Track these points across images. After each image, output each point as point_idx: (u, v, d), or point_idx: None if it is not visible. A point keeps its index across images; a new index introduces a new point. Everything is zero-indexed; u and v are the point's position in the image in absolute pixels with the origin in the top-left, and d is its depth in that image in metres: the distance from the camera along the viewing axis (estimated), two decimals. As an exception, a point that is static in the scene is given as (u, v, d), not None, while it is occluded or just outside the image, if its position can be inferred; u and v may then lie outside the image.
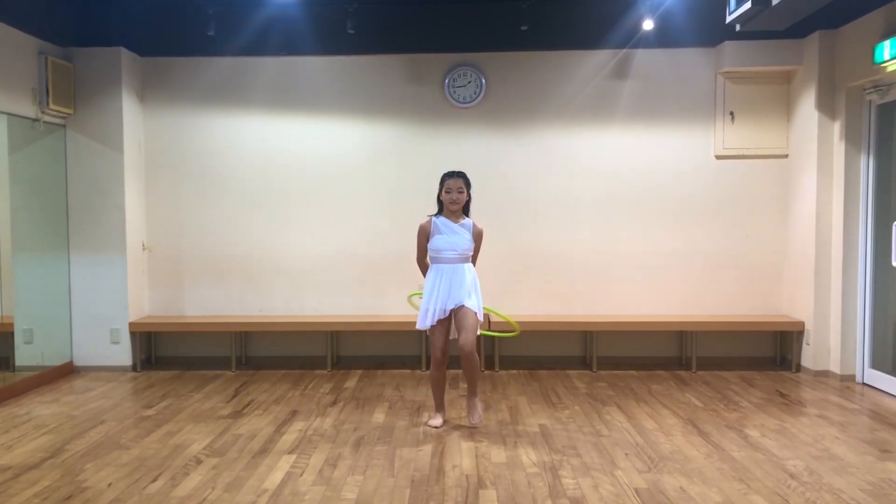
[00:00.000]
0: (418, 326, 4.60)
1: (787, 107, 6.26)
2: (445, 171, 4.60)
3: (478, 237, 4.60)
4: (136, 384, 5.80)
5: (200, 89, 6.39)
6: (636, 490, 3.53)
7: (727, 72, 6.17)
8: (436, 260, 4.54)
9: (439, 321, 4.50)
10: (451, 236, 4.50)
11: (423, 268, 4.66)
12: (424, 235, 4.58)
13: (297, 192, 6.42)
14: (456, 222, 4.54)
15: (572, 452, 4.09)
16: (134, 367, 6.24)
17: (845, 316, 5.72)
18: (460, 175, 4.55)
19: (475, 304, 4.48)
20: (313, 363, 6.37)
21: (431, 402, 5.17)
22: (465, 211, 4.60)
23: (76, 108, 6.06)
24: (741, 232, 6.34)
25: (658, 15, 5.81)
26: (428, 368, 6.19)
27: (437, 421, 4.61)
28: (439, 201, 4.60)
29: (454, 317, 4.49)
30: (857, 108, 5.67)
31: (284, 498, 3.46)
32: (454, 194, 4.49)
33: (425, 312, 4.51)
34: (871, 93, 5.56)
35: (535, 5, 5.96)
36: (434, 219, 4.57)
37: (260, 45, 6.22)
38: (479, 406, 4.64)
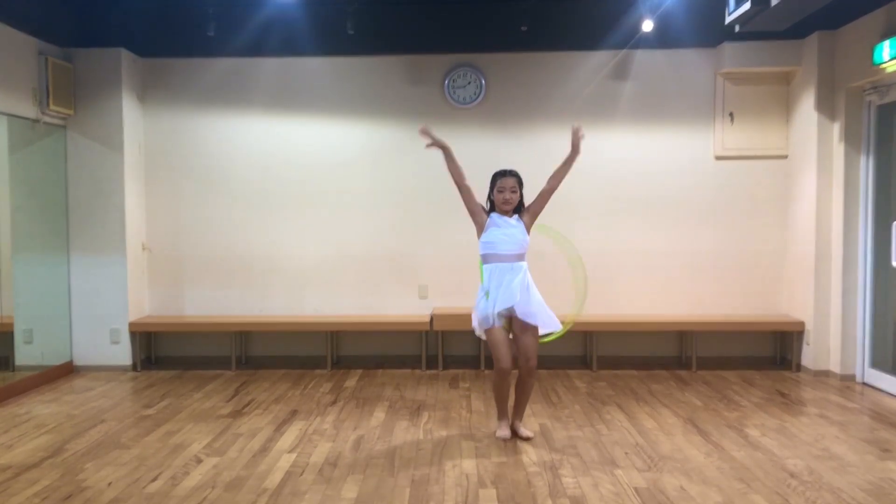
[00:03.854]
0: (476, 332, 4.33)
1: (786, 107, 6.27)
2: (498, 170, 4.37)
3: (527, 212, 4.31)
4: (136, 384, 5.80)
5: (200, 90, 6.39)
6: (636, 489, 3.53)
7: (727, 72, 6.17)
8: (489, 258, 4.24)
9: (499, 329, 4.20)
10: (507, 229, 4.23)
11: (456, 172, 4.31)
12: (480, 211, 4.30)
13: (297, 192, 6.42)
14: (509, 217, 4.29)
15: (572, 452, 4.09)
16: (134, 367, 6.23)
17: (845, 316, 5.72)
18: (513, 174, 4.30)
19: (534, 312, 4.20)
20: (313, 363, 6.37)
21: (432, 402, 5.19)
22: (517, 211, 4.34)
23: (76, 109, 6.06)
24: (741, 232, 6.34)
25: (658, 15, 5.80)
26: (428, 368, 6.22)
27: (505, 431, 4.32)
28: (489, 200, 4.35)
29: (514, 327, 4.24)
30: (856, 109, 5.67)
31: (284, 498, 3.46)
32: (507, 194, 4.24)
33: (484, 317, 4.22)
34: (870, 93, 5.56)
35: (535, 5, 5.96)
36: (489, 216, 4.30)
37: (260, 46, 6.22)
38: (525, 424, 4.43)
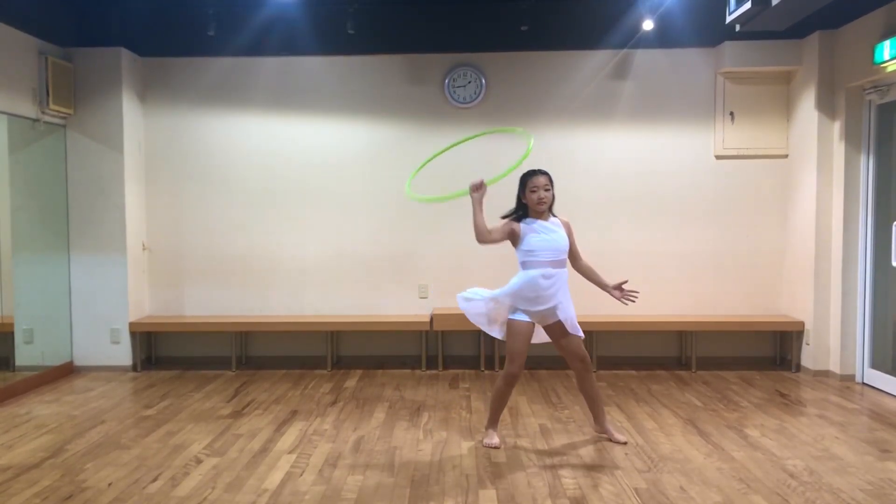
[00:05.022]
0: (486, 326, 4.12)
1: (786, 107, 6.26)
2: (526, 171, 4.13)
3: (570, 231, 4.16)
4: (136, 384, 5.80)
5: (200, 89, 6.39)
6: (636, 490, 3.53)
7: (727, 72, 6.17)
8: (529, 264, 4.03)
9: (525, 327, 4.06)
10: (549, 234, 4.04)
11: (482, 229, 3.98)
12: (510, 230, 4.06)
13: (296, 191, 6.43)
14: (546, 221, 4.11)
15: (572, 452, 4.09)
16: (134, 367, 6.24)
17: (845, 316, 5.72)
18: (544, 172, 4.10)
19: (575, 320, 4.11)
20: (313, 363, 6.37)
21: (432, 402, 5.19)
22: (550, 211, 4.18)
23: (76, 109, 6.06)
24: (741, 232, 6.34)
25: (658, 15, 5.81)
26: (428, 369, 6.22)
27: (496, 440, 4.20)
28: (520, 203, 4.13)
29: (554, 333, 4.12)
30: (856, 109, 5.67)
31: (284, 498, 3.47)
32: (541, 192, 4.04)
33: (502, 311, 4.07)
34: (870, 93, 5.56)
35: (535, 5, 5.97)
36: (522, 222, 4.08)
37: (260, 45, 6.22)
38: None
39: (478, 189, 4.00)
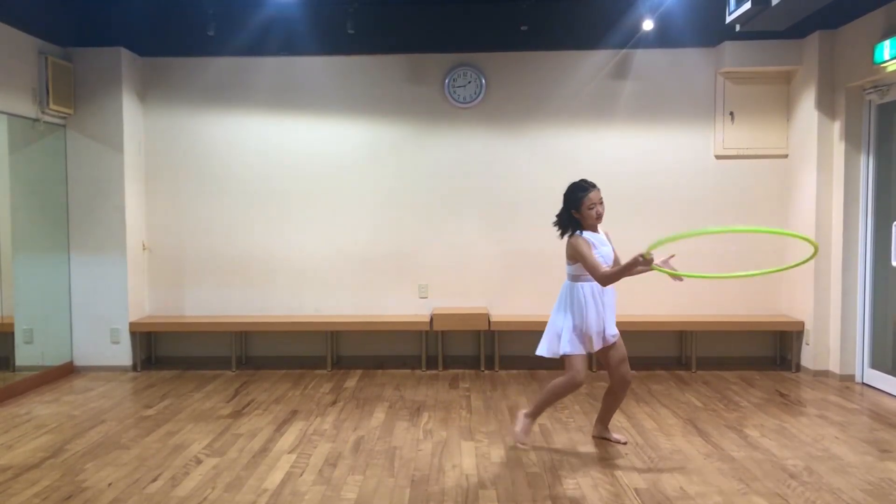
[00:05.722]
0: (561, 352, 4.01)
1: (786, 107, 6.26)
2: (578, 184, 4.03)
3: (610, 240, 4.13)
4: (136, 384, 5.80)
5: (200, 89, 6.39)
6: (636, 490, 3.53)
7: (727, 72, 6.17)
8: (586, 277, 3.96)
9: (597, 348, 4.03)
10: (603, 248, 3.98)
11: (613, 274, 3.85)
12: (590, 247, 3.93)
13: (297, 191, 6.42)
14: (598, 233, 4.04)
15: (572, 452, 4.09)
16: (134, 367, 6.24)
17: (845, 316, 5.72)
18: (595, 185, 4.03)
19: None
20: (313, 363, 6.37)
21: (432, 402, 5.19)
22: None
23: (76, 108, 6.06)
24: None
25: (658, 15, 5.81)
26: (428, 369, 6.22)
27: (527, 438, 4.21)
28: (573, 220, 4.00)
29: (608, 348, 4.09)
30: (856, 108, 5.67)
31: (284, 498, 3.47)
32: (599, 207, 3.98)
33: (580, 336, 3.97)
34: (870, 93, 5.56)
35: (535, 5, 5.97)
36: (582, 235, 3.97)
37: (260, 45, 6.22)
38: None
39: (648, 264, 3.77)
